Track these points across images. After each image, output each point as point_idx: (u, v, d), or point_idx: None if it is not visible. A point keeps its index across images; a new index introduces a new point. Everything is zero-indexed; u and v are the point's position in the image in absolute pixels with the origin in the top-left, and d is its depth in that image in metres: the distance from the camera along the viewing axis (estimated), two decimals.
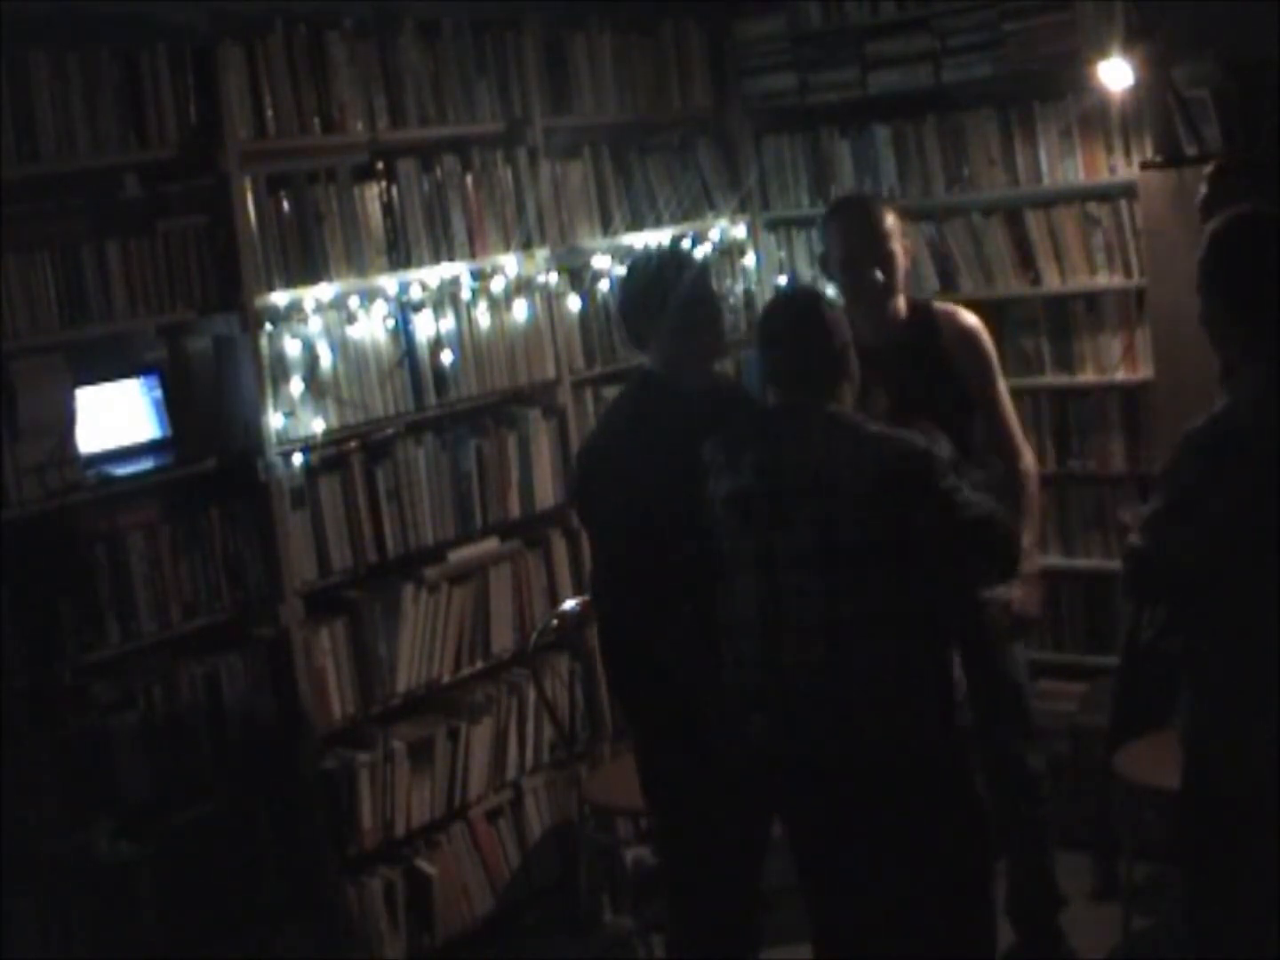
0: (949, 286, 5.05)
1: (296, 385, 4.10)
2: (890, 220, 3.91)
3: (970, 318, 4.03)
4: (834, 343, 3.27)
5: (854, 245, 3.89)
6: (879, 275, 3.85)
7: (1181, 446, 3.01)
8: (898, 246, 3.90)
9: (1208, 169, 4.17)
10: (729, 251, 5.35)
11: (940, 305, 4.10)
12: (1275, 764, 2.90)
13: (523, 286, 4.65)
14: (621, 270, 4.89)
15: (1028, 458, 4.03)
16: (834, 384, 3.26)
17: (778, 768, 3.25)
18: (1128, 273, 4.78)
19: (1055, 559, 4.83)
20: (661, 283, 3.54)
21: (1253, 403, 2.93)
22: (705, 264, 3.74)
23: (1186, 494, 2.95)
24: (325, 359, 4.18)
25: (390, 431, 4.40)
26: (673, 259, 3.74)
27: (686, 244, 5.09)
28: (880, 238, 3.87)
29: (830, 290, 4.09)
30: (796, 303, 3.44)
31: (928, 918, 3.21)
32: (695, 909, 3.62)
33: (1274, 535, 2.88)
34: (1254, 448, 2.89)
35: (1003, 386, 4.04)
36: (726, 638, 3.29)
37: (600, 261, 4.90)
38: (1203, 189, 4.09)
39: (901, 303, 3.95)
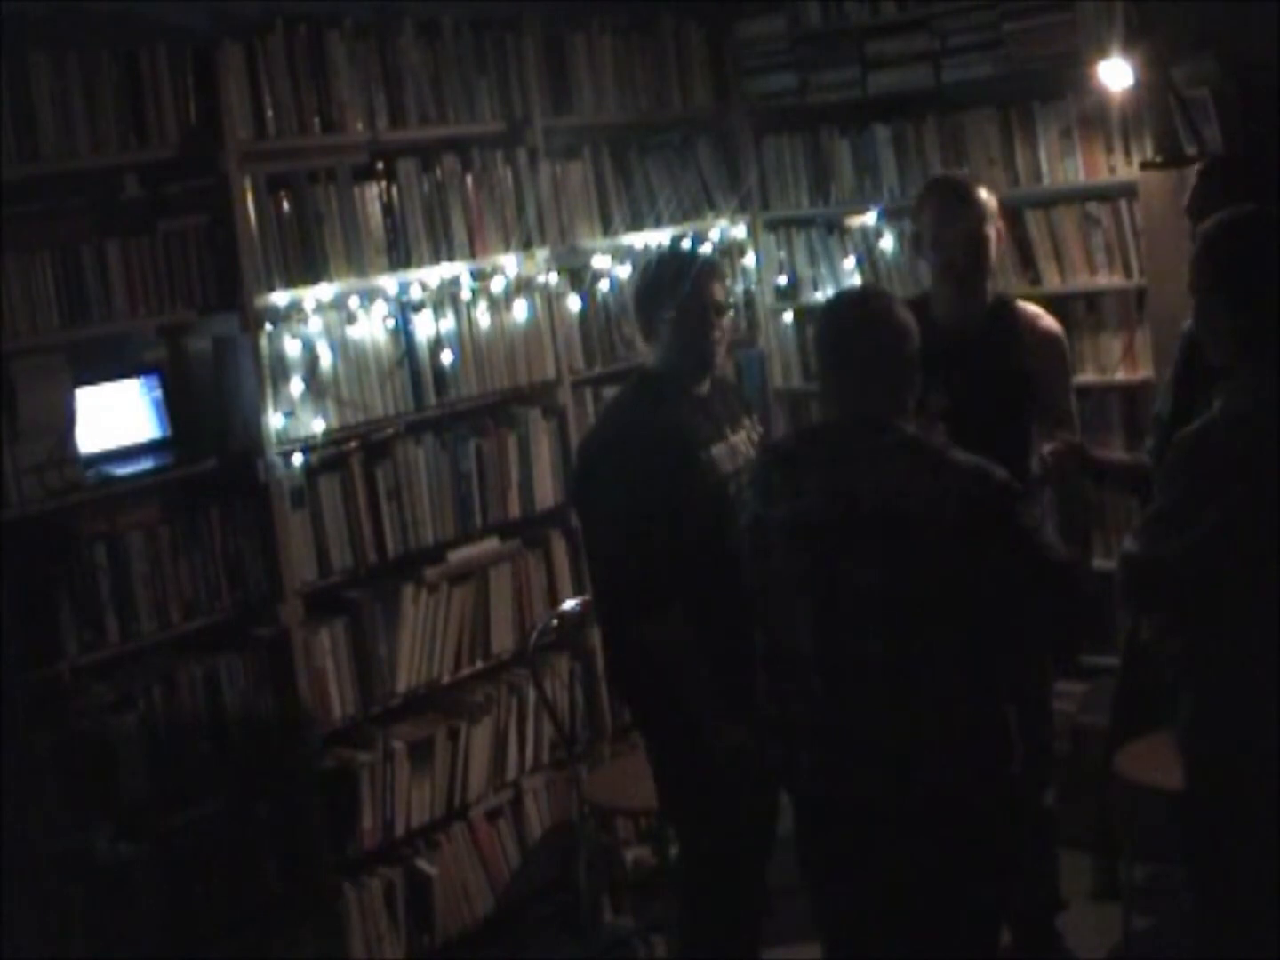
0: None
1: (296, 385, 4.10)
2: (985, 200, 3.82)
3: (1054, 323, 3.99)
4: (906, 353, 2.98)
5: (946, 224, 3.80)
6: (969, 257, 3.77)
7: (1175, 451, 3.00)
8: (991, 230, 3.82)
9: (1196, 167, 4.16)
10: (729, 251, 5.35)
11: (1024, 305, 4.01)
12: (1275, 766, 2.90)
13: (523, 286, 4.65)
14: (623, 270, 4.93)
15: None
16: (905, 395, 2.98)
17: (821, 805, 3.06)
18: (1128, 273, 4.78)
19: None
20: (669, 281, 3.56)
21: (1250, 406, 2.92)
22: (714, 265, 3.72)
23: (1182, 499, 2.94)
24: (325, 359, 4.18)
25: (390, 431, 4.40)
26: (681, 259, 3.74)
27: (702, 246, 5.08)
28: (974, 219, 3.79)
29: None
30: (868, 305, 3.06)
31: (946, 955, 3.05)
32: (713, 907, 3.63)
33: (1270, 540, 2.87)
34: (1251, 452, 2.88)
35: (1073, 397, 4.01)
36: (769, 669, 3.09)
37: (600, 261, 4.90)
38: (1190, 188, 4.08)
39: (989, 290, 3.89)
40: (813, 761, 3.01)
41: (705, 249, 5.08)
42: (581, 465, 3.72)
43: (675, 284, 3.55)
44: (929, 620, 2.87)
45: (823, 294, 5.31)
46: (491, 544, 4.62)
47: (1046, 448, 3.69)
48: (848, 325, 3.04)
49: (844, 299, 3.31)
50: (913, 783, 2.91)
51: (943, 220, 3.82)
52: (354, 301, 4.26)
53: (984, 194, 3.85)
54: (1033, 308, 4.01)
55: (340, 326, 4.23)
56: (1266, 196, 3.41)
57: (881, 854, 2.98)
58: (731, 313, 3.72)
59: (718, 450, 3.53)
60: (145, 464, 3.91)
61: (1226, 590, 2.93)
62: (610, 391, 4.83)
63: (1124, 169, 4.71)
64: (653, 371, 3.63)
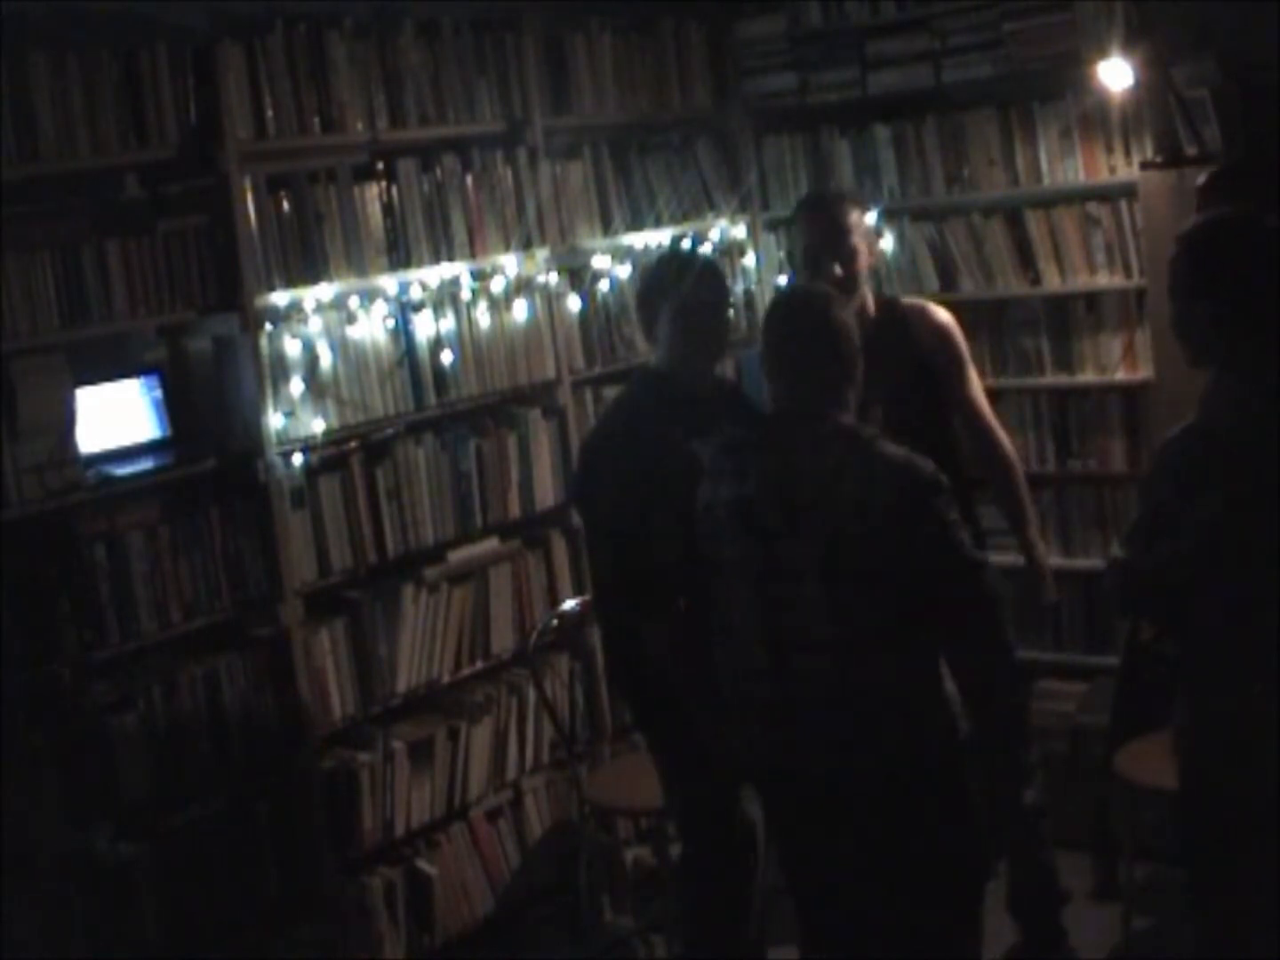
0: (949, 287, 5.06)
1: (296, 385, 4.10)
2: (854, 216, 3.92)
3: (942, 313, 4.06)
4: (846, 346, 3.16)
5: (815, 240, 3.90)
6: (838, 270, 3.84)
7: (1159, 457, 3.01)
8: (860, 243, 3.90)
9: (1200, 179, 4.16)
10: (729, 251, 5.35)
11: (909, 302, 4.11)
12: (1271, 768, 2.90)
13: (523, 286, 4.65)
14: (623, 270, 4.93)
15: (1005, 445, 4.07)
16: (843, 389, 3.15)
17: (778, 780, 3.21)
18: (1128, 273, 4.78)
19: (1055, 559, 4.82)
20: (670, 281, 3.57)
21: (1232, 411, 2.92)
22: (716, 267, 3.74)
23: (1167, 504, 2.94)
24: (325, 359, 4.18)
25: (390, 431, 4.40)
26: (682, 259, 3.76)
27: (702, 246, 5.09)
28: (841, 232, 3.87)
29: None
30: (807, 302, 3.29)
31: (917, 930, 3.15)
32: (714, 906, 3.63)
33: (1256, 544, 2.87)
34: (1234, 457, 2.87)
35: (975, 379, 4.08)
36: (721, 646, 3.23)
37: (600, 261, 4.90)
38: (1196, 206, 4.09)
39: (868, 300, 3.96)
40: (764, 736, 3.16)
41: (706, 249, 5.09)
42: (583, 464, 3.73)
43: (676, 283, 3.57)
44: (864, 597, 3.01)
45: None
46: (491, 544, 4.62)
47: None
48: (787, 324, 3.23)
49: (785, 297, 3.58)
50: (863, 754, 3.04)
51: (810, 236, 3.93)
52: (354, 301, 4.26)
53: (854, 209, 3.95)
54: (919, 302, 4.11)
55: (340, 326, 4.23)
56: (1269, 203, 3.41)
57: (835, 823, 3.12)
58: (731, 312, 3.74)
59: None
60: (145, 464, 3.91)
61: (1212, 595, 2.93)
62: (610, 391, 4.85)
63: (1124, 169, 4.72)
64: (654, 371, 3.63)
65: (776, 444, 3.14)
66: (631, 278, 4.96)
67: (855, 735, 3.05)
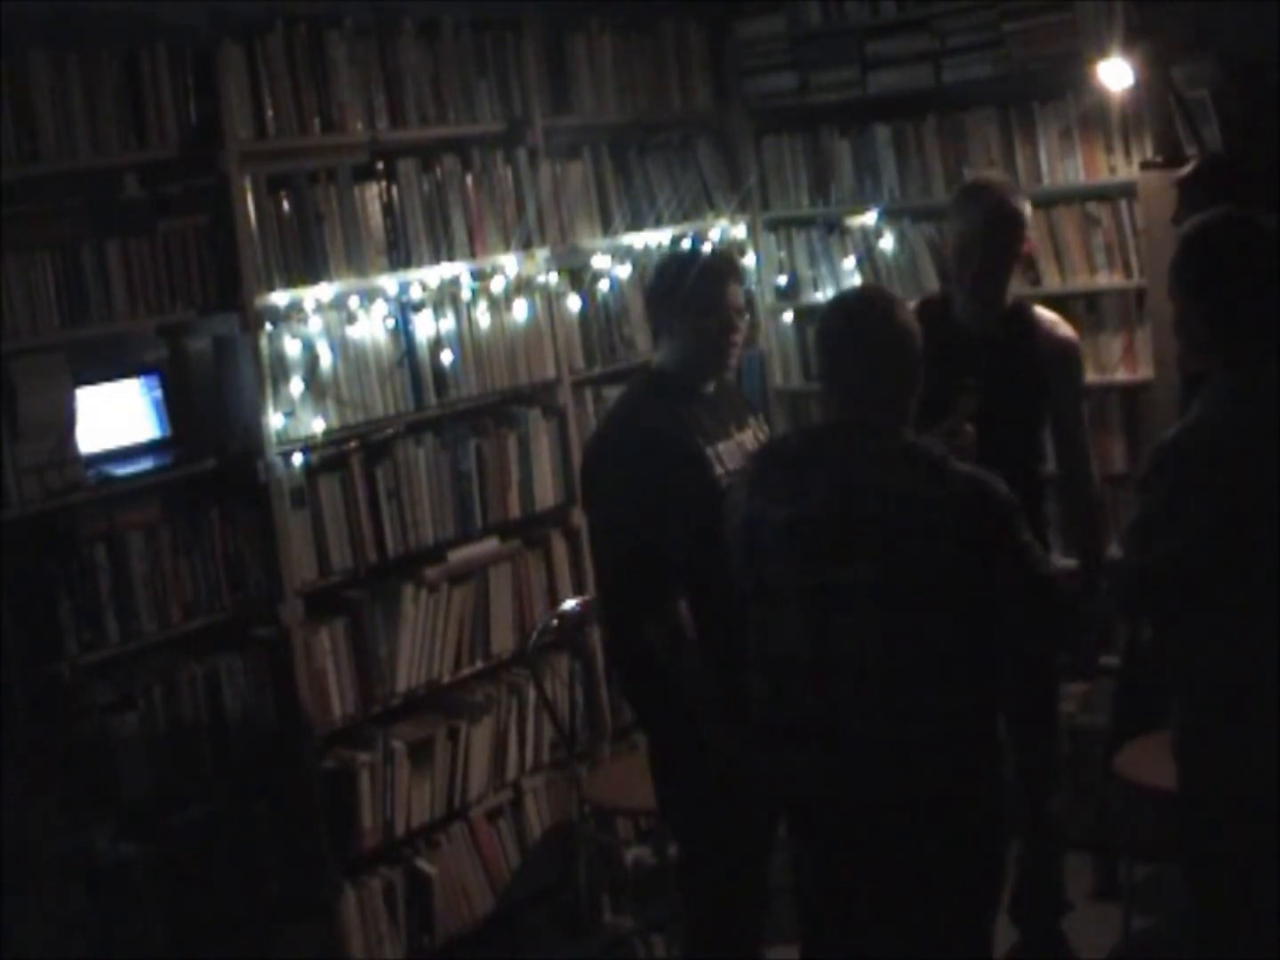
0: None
1: (296, 385, 4.10)
2: (1021, 209, 3.86)
3: (1070, 331, 4.02)
4: (911, 354, 2.97)
5: (973, 232, 3.84)
6: (991, 266, 3.82)
7: (1155, 457, 3.00)
8: (1020, 237, 3.86)
9: (1176, 176, 4.15)
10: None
11: (1040, 310, 4.02)
12: (1266, 768, 2.90)
13: (523, 286, 4.65)
14: (623, 269, 4.93)
15: (1094, 480, 4.07)
16: (907, 401, 2.96)
17: (813, 807, 3.05)
18: (1128, 273, 4.78)
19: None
20: (693, 282, 3.55)
21: (1228, 410, 2.92)
22: (737, 268, 3.73)
23: (1163, 505, 2.94)
24: (325, 359, 4.18)
25: (390, 431, 4.40)
26: (707, 261, 3.73)
27: (709, 247, 5.09)
28: (1005, 226, 3.82)
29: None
30: (870, 308, 3.03)
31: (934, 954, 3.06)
32: (713, 906, 3.64)
33: (1253, 542, 2.87)
34: (1229, 456, 2.87)
35: (1084, 405, 4.05)
36: (760, 671, 3.07)
37: (600, 261, 4.90)
38: (1176, 200, 4.09)
39: (1008, 294, 3.92)
40: (804, 765, 3.00)
41: (729, 253, 5.08)
42: (588, 460, 3.73)
43: (699, 285, 3.54)
44: (923, 625, 2.86)
45: (823, 294, 5.31)
46: (491, 544, 4.62)
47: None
48: (849, 329, 3.02)
49: (845, 301, 3.27)
50: (903, 786, 2.90)
51: (970, 228, 3.87)
52: (354, 301, 4.26)
53: (1019, 201, 3.88)
54: (1050, 314, 4.03)
55: (340, 326, 4.23)
56: (1253, 200, 3.41)
57: (870, 856, 2.98)
58: (747, 316, 3.74)
59: (724, 448, 3.53)
60: (145, 464, 3.91)
61: (1211, 594, 2.93)
62: (610, 391, 4.85)
63: (1124, 169, 4.72)
64: (661, 370, 3.63)
65: (836, 460, 2.94)
66: (632, 277, 4.97)
67: (900, 769, 2.89)
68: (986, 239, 3.83)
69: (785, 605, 2.98)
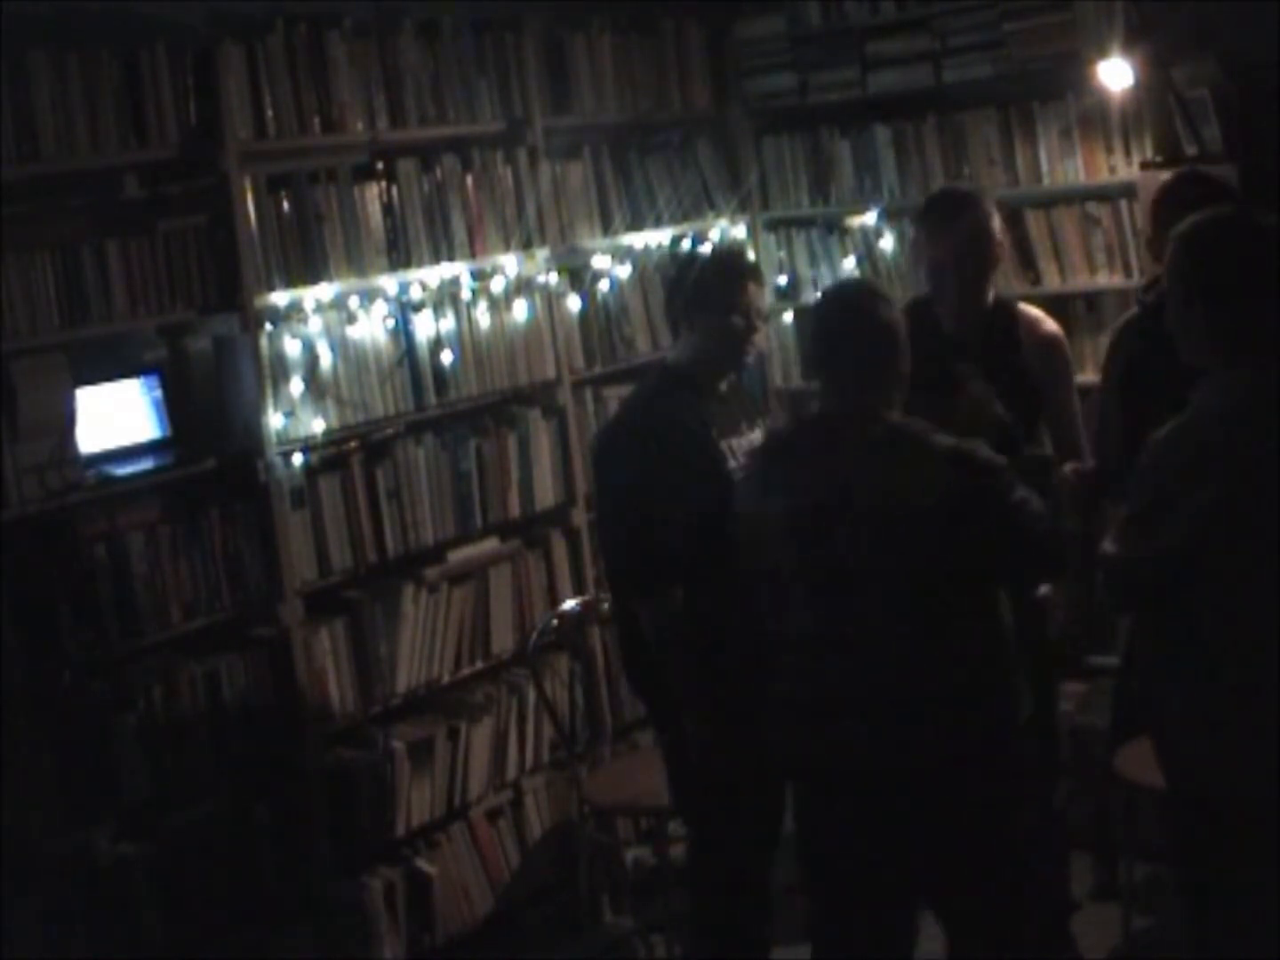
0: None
1: (296, 385, 4.10)
2: (991, 221, 3.83)
3: (1054, 326, 4.00)
4: (898, 345, 3.10)
5: (944, 247, 3.80)
6: (967, 278, 3.79)
7: (1149, 453, 3.00)
8: (992, 249, 3.83)
9: (1165, 180, 4.12)
10: None
11: (1025, 308, 4.01)
12: (1258, 766, 2.90)
13: (523, 286, 4.65)
14: (623, 269, 4.94)
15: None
16: (894, 390, 3.09)
17: (834, 780, 3.13)
18: (1128, 273, 4.78)
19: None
20: (721, 283, 3.59)
21: (1224, 406, 2.92)
22: (760, 272, 3.76)
23: (1156, 499, 2.94)
24: (325, 359, 4.18)
25: (390, 431, 4.40)
26: (735, 262, 3.77)
27: (705, 248, 5.11)
28: (960, 242, 3.78)
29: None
30: (855, 298, 3.22)
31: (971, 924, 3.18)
32: (722, 906, 3.64)
33: (1247, 538, 2.87)
34: (1224, 452, 2.87)
35: (1076, 399, 4.01)
36: (777, 649, 3.15)
37: (600, 261, 4.90)
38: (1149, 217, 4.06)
39: (989, 298, 3.90)
40: (821, 737, 3.09)
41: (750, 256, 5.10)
42: (600, 446, 3.77)
43: (728, 285, 3.59)
44: (924, 597, 2.98)
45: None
46: (491, 544, 4.62)
47: (1069, 466, 3.81)
48: (836, 320, 3.16)
49: (833, 294, 3.45)
50: (918, 747, 3.01)
51: (941, 243, 3.82)
52: (354, 301, 4.26)
53: (989, 212, 3.84)
54: (1034, 311, 4.01)
55: (340, 326, 4.23)
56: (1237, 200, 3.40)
57: (892, 822, 3.06)
58: (767, 318, 3.77)
59: (738, 443, 3.58)
60: (145, 464, 3.91)
61: (1203, 589, 2.93)
62: (610, 392, 4.86)
63: (1124, 169, 4.72)
64: (677, 364, 3.66)
65: (827, 450, 3.06)
66: (632, 277, 4.97)
67: (912, 732, 3.01)
68: (961, 257, 3.78)
69: (792, 589, 3.08)
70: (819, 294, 3.56)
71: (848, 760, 3.08)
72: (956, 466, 2.97)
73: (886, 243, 5.17)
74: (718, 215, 5.31)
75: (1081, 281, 4.88)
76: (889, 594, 2.98)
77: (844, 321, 3.15)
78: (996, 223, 3.85)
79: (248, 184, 4.00)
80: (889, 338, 3.10)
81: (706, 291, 3.59)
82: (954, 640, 3.02)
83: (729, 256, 4.03)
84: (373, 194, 4.31)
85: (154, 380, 4.04)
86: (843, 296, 3.34)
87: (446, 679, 4.48)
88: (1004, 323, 3.92)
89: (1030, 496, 3.04)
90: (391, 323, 4.34)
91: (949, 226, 3.80)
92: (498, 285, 4.59)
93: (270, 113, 4.06)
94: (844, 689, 3.04)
